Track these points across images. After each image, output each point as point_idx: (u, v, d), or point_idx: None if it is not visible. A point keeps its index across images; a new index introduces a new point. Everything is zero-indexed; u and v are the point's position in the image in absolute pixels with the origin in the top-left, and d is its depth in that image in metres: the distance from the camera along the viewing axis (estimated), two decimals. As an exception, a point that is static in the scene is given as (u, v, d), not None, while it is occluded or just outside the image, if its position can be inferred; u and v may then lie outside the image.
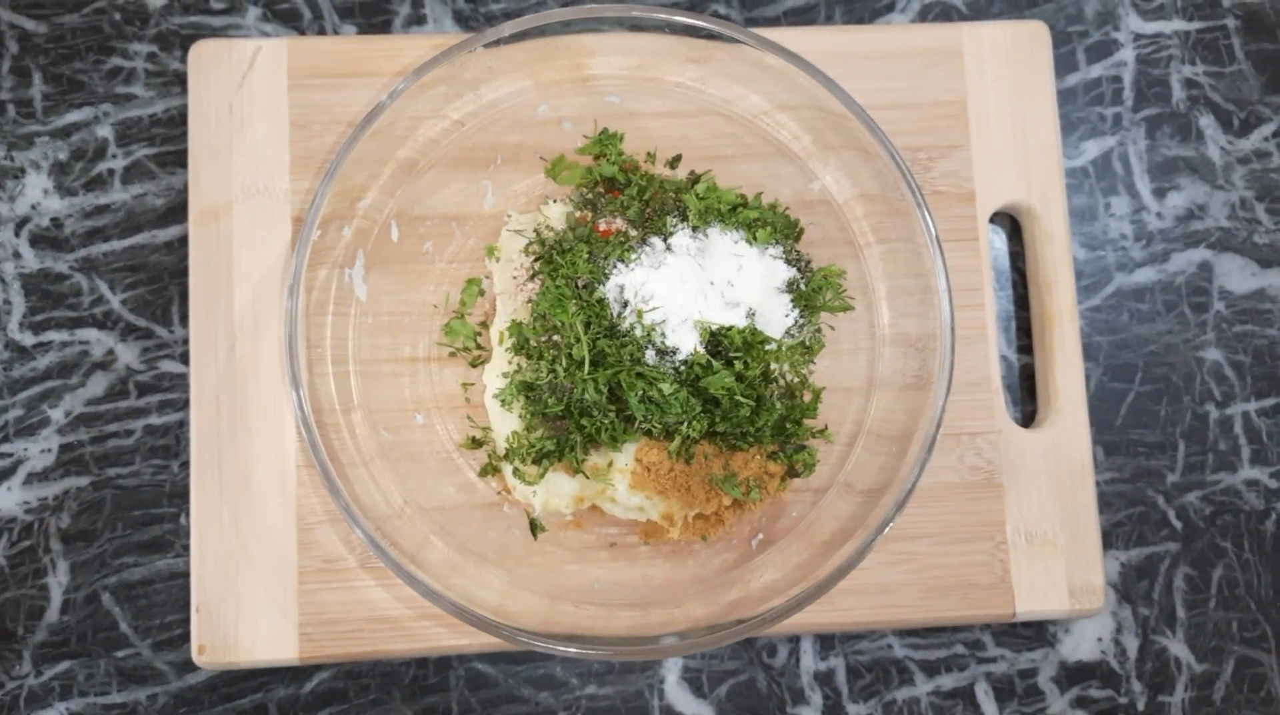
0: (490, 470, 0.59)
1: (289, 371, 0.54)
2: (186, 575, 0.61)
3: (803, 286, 0.59)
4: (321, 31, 0.67)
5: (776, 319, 0.57)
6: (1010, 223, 0.68)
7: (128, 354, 0.64)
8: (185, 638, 0.61)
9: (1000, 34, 0.66)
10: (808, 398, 0.59)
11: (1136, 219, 0.69)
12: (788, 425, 0.57)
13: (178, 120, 0.66)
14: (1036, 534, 0.63)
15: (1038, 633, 0.66)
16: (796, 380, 0.58)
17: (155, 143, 0.66)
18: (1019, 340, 0.68)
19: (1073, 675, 0.65)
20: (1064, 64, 0.70)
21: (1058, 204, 0.65)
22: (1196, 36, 0.71)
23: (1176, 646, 0.66)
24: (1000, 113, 0.66)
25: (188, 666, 0.62)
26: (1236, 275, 0.69)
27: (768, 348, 0.57)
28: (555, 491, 0.57)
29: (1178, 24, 0.71)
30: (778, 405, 0.57)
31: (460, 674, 0.63)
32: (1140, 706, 0.65)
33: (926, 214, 0.56)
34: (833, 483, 0.59)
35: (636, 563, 0.59)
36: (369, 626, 0.60)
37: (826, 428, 0.59)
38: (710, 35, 0.58)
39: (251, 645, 0.59)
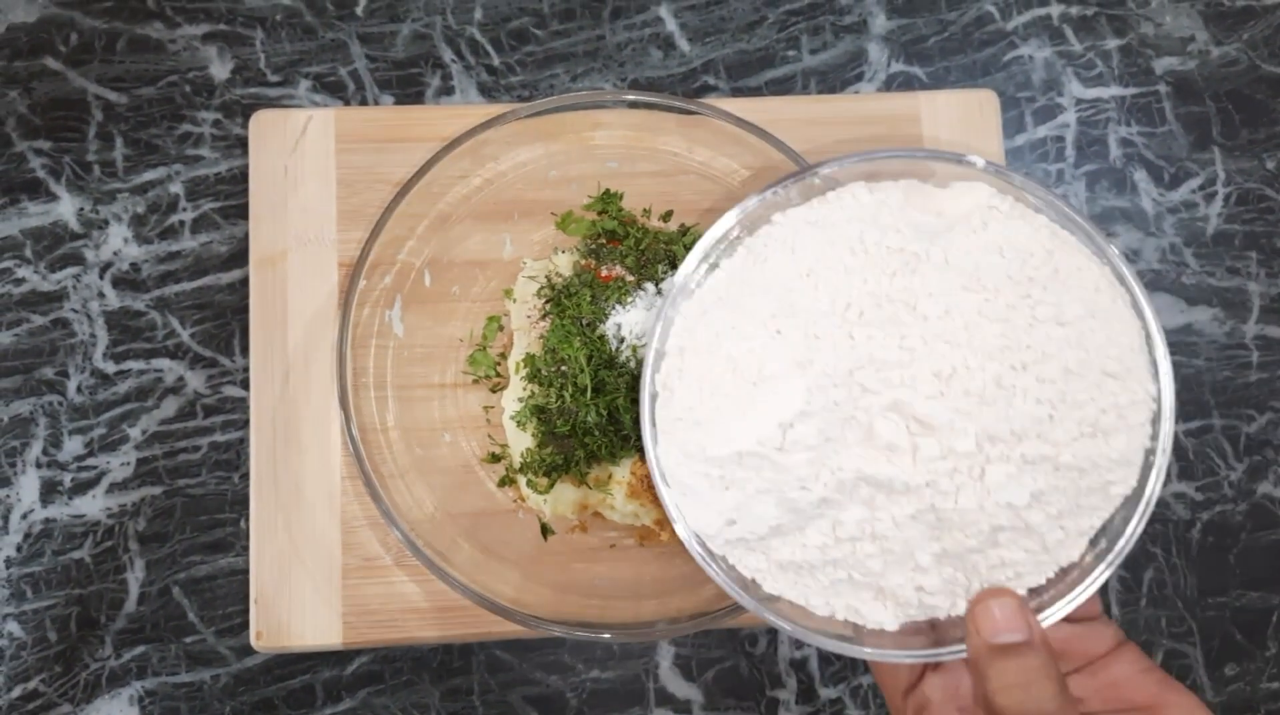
0: (507, 481, 0.69)
1: (339, 395, 0.64)
2: (245, 572, 0.71)
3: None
4: (364, 101, 0.77)
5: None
6: (965, 266, 0.77)
7: (196, 381, 0.74)
8: (244, 626, 0.71)
9: (954, 101, 0.76)
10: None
11: (1077, 262, 0.78)
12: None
13: (239, 179, 0.76)
14: (984, 539, 0.72)
15: (988, 627, 0.74)
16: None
17: (220, 198, 0.76)
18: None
19: (1019, 664, 0.74)
20: (1013, 125, 0.79)
21: (1004, 250, 0.75)
22: (1131, 101, 0.80)
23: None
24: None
25: (246, 651, 0.71)
26: (1167, 312, 0.78)
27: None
28: (562, 500, 0.66)
29: (1115, 90, 0.80)
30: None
31: (481, 659, 0.72)
32: (1079, 693, 0.74)
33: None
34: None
35: (632, 561, 0.68)
36: (403, 616, 0.69)
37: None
38: (691, 112, 0.68)
39: (302, 632, 0.68)
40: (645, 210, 0.72)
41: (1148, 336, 0.53)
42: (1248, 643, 0.75)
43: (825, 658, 0.73)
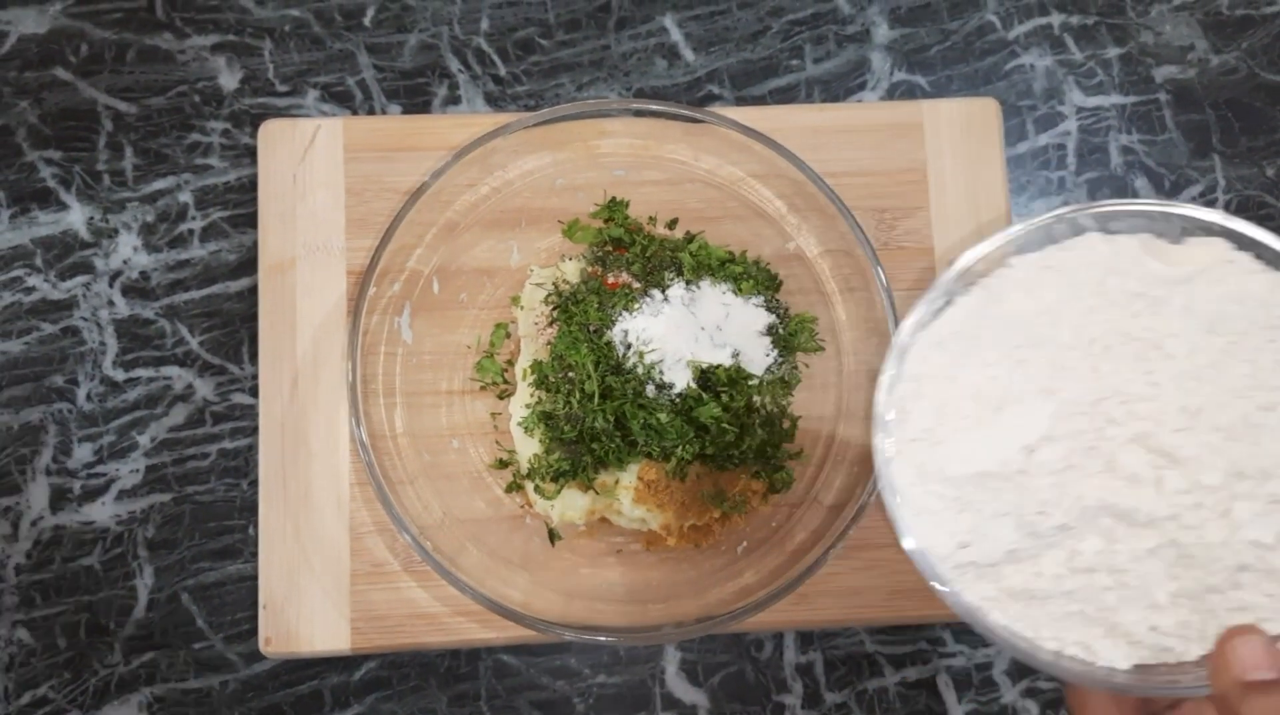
0: (515, 487, 0.69)
1: (349, 402, 0.65)
2: (254, 578, 0.71)
3: (781, 331, 0.69)
4: (371, 111, 0.78)
5: (759, 358, 0.67)
6: (967, 273, 0.78)
7: (204, 388, 0.74)
8: (252, 632, 0.71)
9: (956, 110, 0.76)
10: (786, 425, 0.69)
11: (1079, 269, 0.79)
12: (768, 449, 0.67)
13: (248, 187, 0.76)
14: (989, 544, 0.72)
15: (992, 631, 0.75)
16: (776, 410, 0.68)
17: (228, 207, 0.76)
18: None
19: (1023, 669, 0.74)
20: (1015, 133, 0.80)
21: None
22: (1132, 109, 0.81)
23: (1115, 644, 0.75)
24: (955, 177, 0.75)
25: (254, 657, 0.71)
26: (1168, 318, 0.79)
27: (750, 383, 0.66)
28: (570, 505, 0.67)
29: (1115, 98, 0.81)
30: (759, 432, 0.66)
31: (488, 664, 0.72)
32: (1083, 697, 0.74)
33: (879, 269, 0.66)
34: (806, 498, 0.68)
35: (639, 566, 0.68)
36: (411, 622, 0.69)
37: (802, 451, 0.69)
38: (697, 120, 0.69)
39: (310, 638, 0.69)
40: (651, 218, 0.73)
41: None
42: (1251, 647, 0.75)
43: (831, 662, 0.73)
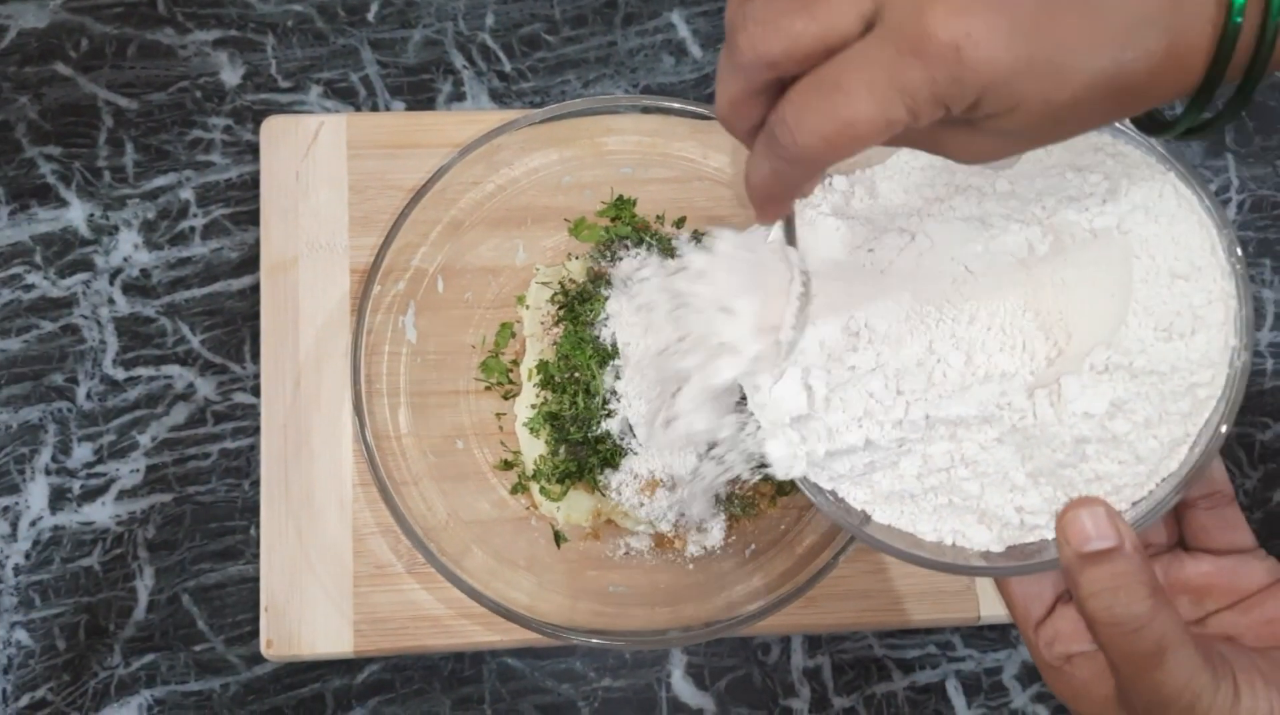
0: (520, 488, 0.68)
1: (353, 401, 0.64)
2: (255, 580, 0.70)
3: (790, 330, 0.68)
4: (375, 107, 0.77)
5: (767, 358, 0.66)
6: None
7: (206, 387, 0.74)
8: (254, 634, 0.70)
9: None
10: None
11: (1090, 269, 0.78)
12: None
13: (250, 185, 0.76)
14: (998, 547, 0.71)
15: (1002, 636, 0.74)
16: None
17: (230, 204, 0.76)
18: (986, 376, 0.76)
19: (1033, 674, 0.73)
20: (1026, 132, 0.79)
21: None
22: (1143, 108, 0.80)
23: (1126, 649, 0.74)
24: (966, 177, 0.75)
25: (255, 659, 0.70)
26: (1180, 319, 0.78)
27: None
28: (576, 507, 0.66)
29: (1127, 97, 0.80)
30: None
31: (492, 667, 0.72)
32: (1094, 702, 0.74)
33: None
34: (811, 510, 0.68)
35: (646, 569, 0.67)
36: (414, 624, 0.68)
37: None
38: (706, 117, 0.68)
39: (313, 640, 0.68)
40: (659, 216, 0.72)
41: (1216, 236, 0.51)
42: (1263, 652, 0.75)
43: (839, 666, 0.73)
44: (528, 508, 0.68)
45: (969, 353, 0.52)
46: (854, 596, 0.70)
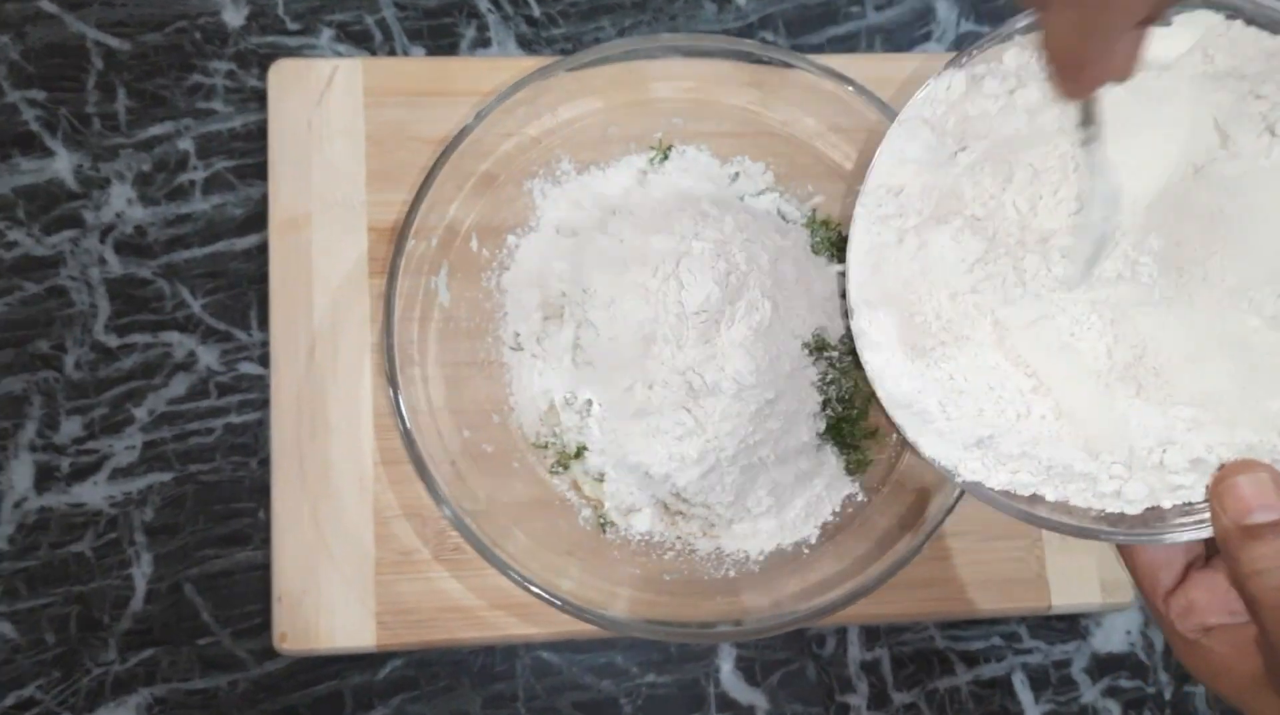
0: (561, 467, 0.62)
1: (388, 372, 0.57)
2: (265, 567, 0.64)
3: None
4: (392, 52, 0.71)
5: (833, 327, 0.61)
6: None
7: (208, 356, 0.67)
8: (264, 627, 0.64)
9: (1033, 60, 0.70)
10: (858, 402, 0.62)
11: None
12: (843, 426, 0.61)
13: (255, 135, 0.69)
14: (1070, 531, 0.66)
15: (1071, 626, 0.69)
16: (850, 385, 0.62)
17: (234, 156, 0.69)
18: (1051, 348, 0.71)
19: (1104, 666, 0.69)
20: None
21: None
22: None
23: (1200, 639, 0.70)
24: (1034, 134, 0.69)
25: (266, 654, 0.64)
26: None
27: (826, 355, 0.60)
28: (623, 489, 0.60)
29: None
30: (837, 408, 0.60)
31: (526, 662, 0.66)
32: (1168, 696, 0.69)
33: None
34: (886, 481, 0.62)
35: (701, 558, 0.62)
36: (443, 616, 0.63)
37: (879, 429, 0.63)
38: (765, 61, 0.61)
39: (331, 633, 0.62)
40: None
41: None
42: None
43: (899, 660, 0.68)
44: (570, 489, 0.62)
45: None
46: (916, 585, 0.65)
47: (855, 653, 0.67)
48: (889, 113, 0.60)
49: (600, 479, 0.60)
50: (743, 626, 0.57)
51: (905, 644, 0.68)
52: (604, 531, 0.61)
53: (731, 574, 0.60)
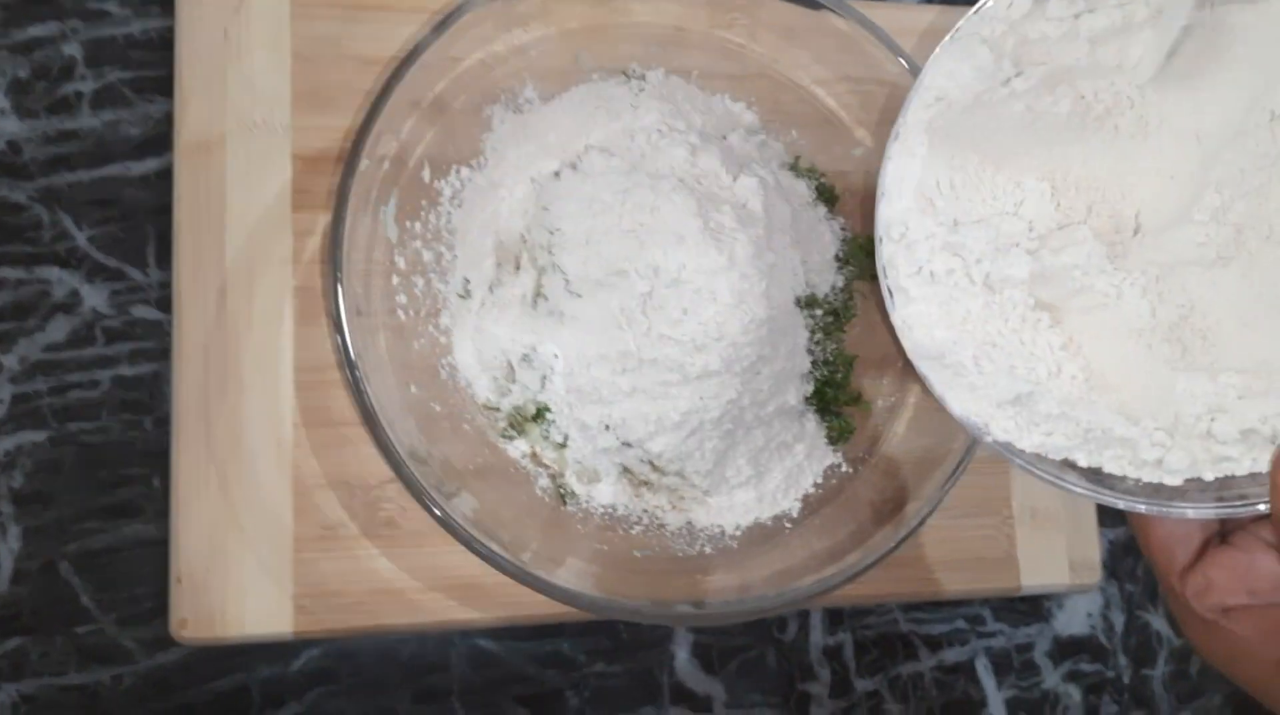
0: (514, 432, 0.55)
1: (334, 316, 0.49)
2: (159, 543, 0.55)
3: (839, 253, 0.58)
4: (323, -41, 0.62)
5: (821, 285, 0.56)
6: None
7: (95, 297, 0.57)
8: (157, 611, 0.55)
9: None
10: (842, 367, 0.58)
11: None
12: (826, 390, 0.56)
13: (157, 44, 0.60)
14: (1040, 510, 0.63)
15: (1034, 608, 0.66)
16: (834, 347, 0.57)
17: (131, 67, 0.59)
18: (1017, 320, 0.68)
19: (1065, 649, 0.66)
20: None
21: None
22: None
23: (1158, 622, 0.68)
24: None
25: (159, 644, 0.56)
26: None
27: (813, 312, 0.55)
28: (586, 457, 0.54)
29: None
30: (823, 372, 0.55)
31: (462, 651, 0.59)
32: (1126, 679, 0.67)
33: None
34: (873, 453, 0.57)
35: (673, 532, 0.56)
36: (371, 598, 0.55)
37: (861, 396, 0.58)
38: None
39: (241, 619, 0.53)
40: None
41: None
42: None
43: (862, 645, 0.63)
44: (528, 455, 0.55)
45: None
46: (886, 565, 0.60)
47: (818, 638, 0.63)
48: (913, 67, 0.55)
49: (563, 444, 0.54)
50: (703, 610, 0.51)
51: (869, 627, 0.64)
52: (564, 503, 0.55)
53: (707, 550, 0.54)
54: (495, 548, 0.48)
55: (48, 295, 0.57)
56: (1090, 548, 0.64)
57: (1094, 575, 0.64)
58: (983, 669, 0.65)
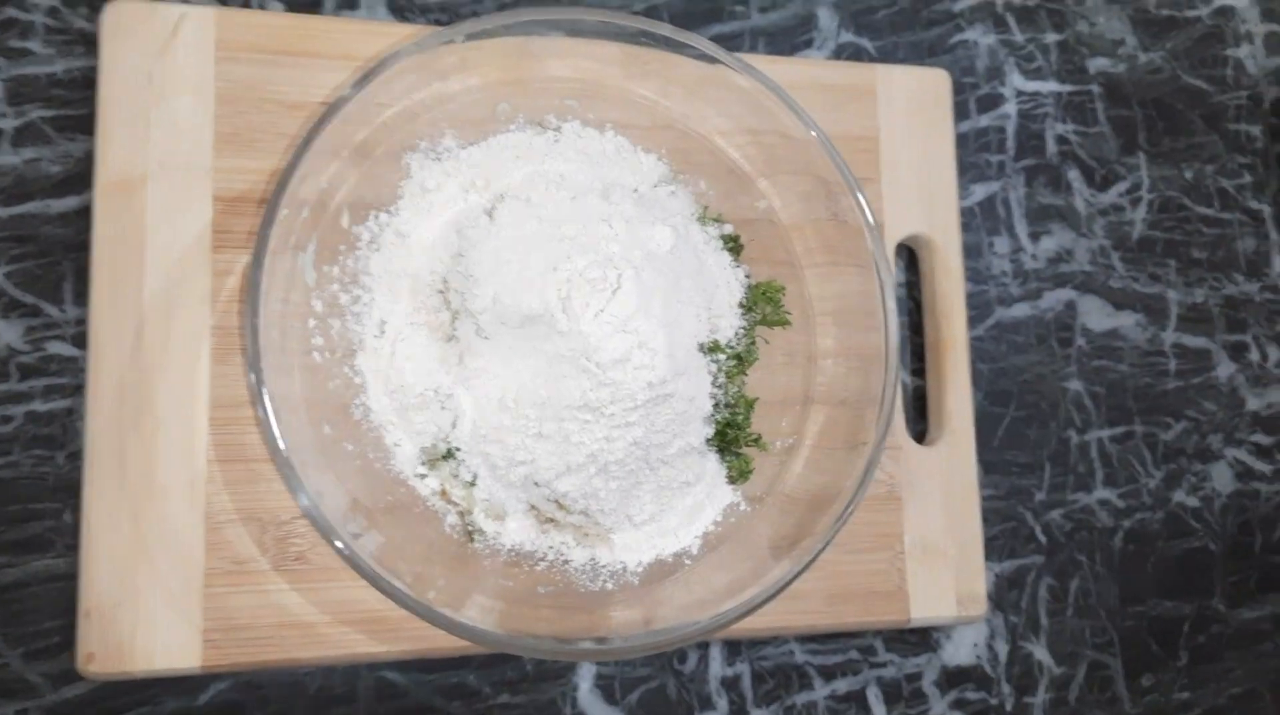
0: (426, 470, 0.57)
1: (248, 356, 0.51)
2: (68, 577, 0.56)
3: (743, 300, 0.61)
4: (247, 4, 0.64)
5: (725, 331, 0.59)
6: (908, 254, 0.72)
7: (9, 332, 0.58)
8: (64, 646, 0.56)
9: (909, 78, 0.71)
10: (743, 408, 0.61)
11: (1015, 258, 0.75)
12: (728, 431, 0.59)
13: (80, 84, 0.60)
14: (930, 545, 0.67)
15: (923, 639, 0.70)
16: (735, 390, 0.60)
17: (53, 105, 0.60)
18: (912, 363, 0.72)
19: (952, 679, 0.70)
20: (957, 112, 0.75)
21: (955, 239, 0.70)
22: (1068, 98, 0.78)
23: (1040, 651, 0.72)
24: (908, 150, 0.70)
25: (65, 678, 0.56)
26: (1095, 315, 0.77)
27: (715, 358, 0.58)
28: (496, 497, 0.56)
29: (1052, 85, 0.78)
30: (725, 413, 0.58)
31: (369, 683, 0.60)
32: (1009, 707, 0.71)
33: (879, 241, 0.58)
34: (770, 492, 0.60)
35: (577, 570, 0.58)
36: (280, 632, 0.56)
37: (761, 437, 0.61)
38: (669, 45, 0.58)
39: (150, 653, 0.54)
40: (599, 158, 0.62)
41: None
42: (1162, 653, 0.74)
43: (759, 675, 0.66)
44: (438, 493, 0.57)
45: None
46: (784, 598, 0.62)
47: (716, 668, 0.66)
48: (805, 117, 0.58)
49: (472, 482, 0.56)
50: (606, 646, 0.54)
51: (766, 658, 0.66)
52: (471, 540, 0.56)
53: (609, 586, 0.57)
54: (400, 585, 0.50)
55: (-39, 330, 0.57)
56: (977, 582, 0.67)
57: (980, 607, 0.67)
58: (874, 698, 0.68)
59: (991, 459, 0.73)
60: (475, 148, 0.59)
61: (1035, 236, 0.76)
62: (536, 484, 0.54)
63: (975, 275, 0.74)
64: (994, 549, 0.72)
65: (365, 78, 0.54)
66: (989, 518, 0.71)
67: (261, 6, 0.64)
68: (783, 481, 0.60)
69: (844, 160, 0.59)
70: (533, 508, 0.57)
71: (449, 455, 0.56)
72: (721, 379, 0.58)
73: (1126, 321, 0.77)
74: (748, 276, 0.62)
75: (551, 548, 0.57)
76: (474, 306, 0.53)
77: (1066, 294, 0.76)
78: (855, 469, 0.56)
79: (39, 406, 0.58)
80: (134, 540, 0.55)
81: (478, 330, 0.54)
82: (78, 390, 0.58)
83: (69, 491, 0.57)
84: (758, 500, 0.60)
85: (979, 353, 0.73)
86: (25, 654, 0.56)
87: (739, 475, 0.60)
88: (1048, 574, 0.73)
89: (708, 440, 0.58)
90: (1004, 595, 0.72)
